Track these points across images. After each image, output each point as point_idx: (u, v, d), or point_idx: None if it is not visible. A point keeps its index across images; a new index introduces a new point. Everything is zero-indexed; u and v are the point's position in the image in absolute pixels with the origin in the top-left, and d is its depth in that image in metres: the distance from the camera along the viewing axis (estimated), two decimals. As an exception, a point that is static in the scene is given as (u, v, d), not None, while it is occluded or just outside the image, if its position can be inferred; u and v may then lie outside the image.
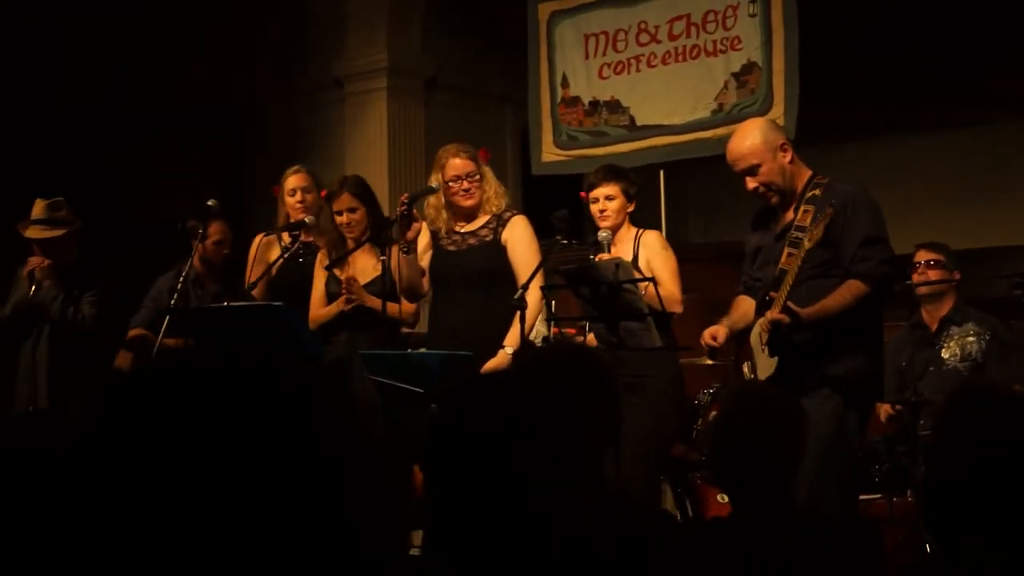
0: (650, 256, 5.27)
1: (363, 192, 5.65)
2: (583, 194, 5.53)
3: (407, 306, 5.53)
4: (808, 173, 4.69)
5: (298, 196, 5.98)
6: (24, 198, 6.28)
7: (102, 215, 8.78)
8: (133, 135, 9.33)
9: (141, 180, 9.25)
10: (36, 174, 7.45)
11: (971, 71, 8.38)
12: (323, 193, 5.80)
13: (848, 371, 4.50)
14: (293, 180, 6.03)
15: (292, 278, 5.87)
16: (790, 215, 4.64)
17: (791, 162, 4.65)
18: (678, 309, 5.12)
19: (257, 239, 6.14)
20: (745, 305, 4.77)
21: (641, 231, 5.43)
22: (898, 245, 6.47)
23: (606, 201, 5.35)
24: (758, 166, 4.62)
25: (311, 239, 5.91)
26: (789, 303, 4.42)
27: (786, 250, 4.55)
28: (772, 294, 4.49)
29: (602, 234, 5.26)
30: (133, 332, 6.12)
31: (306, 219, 5.82)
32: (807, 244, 4.41)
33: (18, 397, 6.08)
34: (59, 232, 6.12)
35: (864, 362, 4.57)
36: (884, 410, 5.70)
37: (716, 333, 4.67)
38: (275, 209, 6.20)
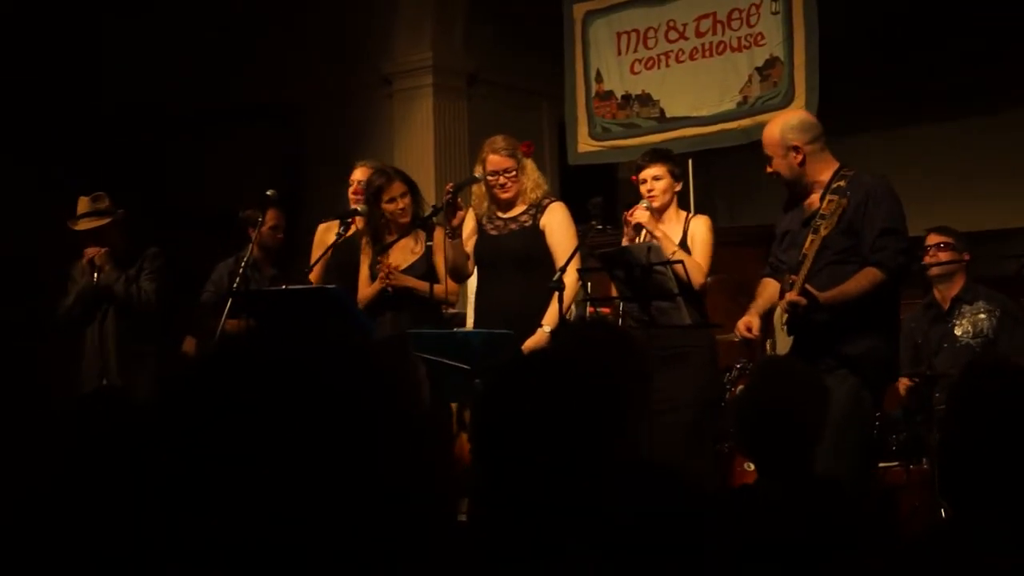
0: (693, 234, 5.24)
1: (409, 181, 5.71)
2: (633, 178, 5.50)
3: (451, 286, 5.57)
4: (834, 166, 4.66)
5: (354, 187, 6.03)
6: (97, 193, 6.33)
7: (169, 207, 8.88)
8: (198, 131, 9.39)
9: (205, 173, 9.31)
10: (108, 171, 7.48)
11: (980, 65, 8.32)
12: (379, 182, 5.83)
13: (864, 353, 4.48)
14: (356, 173, 6.08)
15: (343, 259, 5.90)
16: (816, 203, 4.62)
17: (801, 164, 4.63)
18: (700, 279, 5.04)
19: (320, 227, 6.19)
20: (771, 288, 4.76)
21: (691, 215, 5.40)
22: (911, 229, 6.46)
23: (653, 181, 5.31)
24: (771, 158, 4.69)
25: (361, 226, 5.93)
26: (807, 285, 4.41)
27: (810, 236, 4.54)
28: (792, 277, 4.48)
29: (643, 203, 5.24)
30: (231, 324, 5.97)
31: (359, 208, 5.84)
32: (823, 231, 4.40)
33: (86, 376, 6.11)
34: (104, 221, 6.19)
35: (880, 344, 4.55)
36: (902, 383, 5.67)
37: (751, 324, 4.65)
38: (330, 198, 6.25)
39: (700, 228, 5.27)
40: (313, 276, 5.85)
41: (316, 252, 6.01)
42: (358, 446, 1.16)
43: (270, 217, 6.33)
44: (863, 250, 4.49)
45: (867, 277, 4.45)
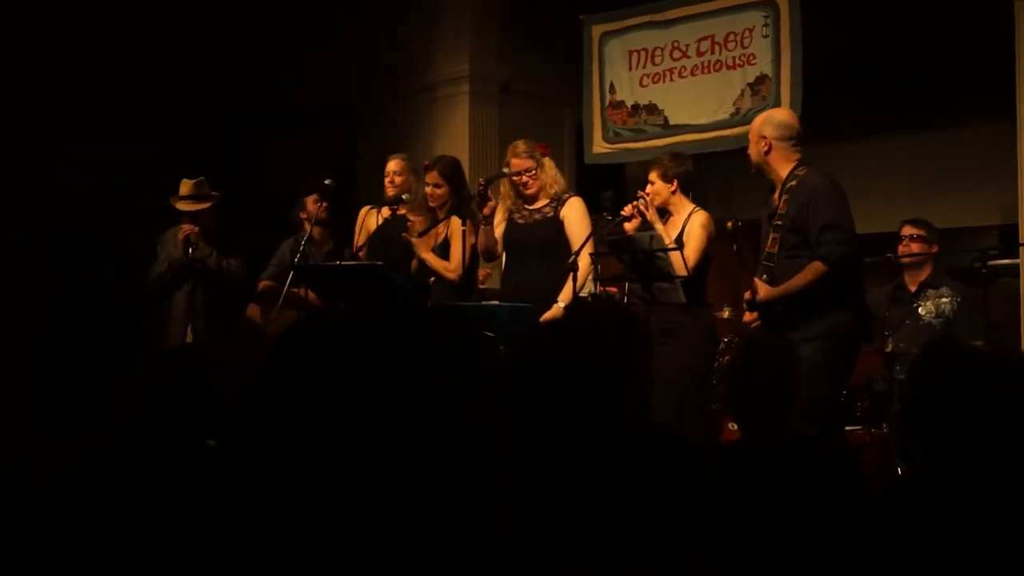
0: (688, 232, 5.19)
1: (451, 173, 5.67)
2: None
3: (454, 267, 5.55)
4: (791, 165, 4.61)
5: (390, 177, 5.99)
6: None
7: (243, 194, 8.91)
8: (267, 131, 9.42)
9: (273, 167, 9.34)
10: (194, 162, 7.52)
11: (945, 84, 8.28)
12: (425, 163, 5.85)
13: (831, 326, 4.43)
14: (390, 165, 6.06)
15: (387, 235, 5.89)
16: (776, 201, 4.60)
17: (767, 153, 4.61)
18: (683, 273, 4.96)
19: (363, 211, 6.20)
20: None
21: (694, 210, 5.31)
22: (886, 223, 6.43)
23: (649, 185, 5.31)
24: (750, 143, 4.70)
25: (404, 211, 5.94)
26: (756, 280, 4.42)
27: (771, 235, 4.53)
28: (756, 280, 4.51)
29: (640, 202, 5.20)
30: (262, 284, 6.19)
31: (404, 196, 5.85)
32: (781, 230, 4.45)
33: (171, 338, 6.11)
34: (205, 205, 6.21)
35: (846, 317, 4.49)
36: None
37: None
38: (376, 188, 6.25)
39: (694, 226, 5.23)
40: (362, 254, 5.87)
41: (362, 233, 6.01)
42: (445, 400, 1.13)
43: (311, 202, 6.36)
44: (811, 245, 4.45)
45: (812, 271, 4.41)
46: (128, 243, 6.55)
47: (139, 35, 8.37)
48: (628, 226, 5.15)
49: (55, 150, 7.83)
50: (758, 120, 4.73)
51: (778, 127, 4.64)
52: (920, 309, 5.88)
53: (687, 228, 5.20)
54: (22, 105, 7.77)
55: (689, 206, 5.33)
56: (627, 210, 5.13)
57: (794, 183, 4.53)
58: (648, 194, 5.23)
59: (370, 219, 6.10)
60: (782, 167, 4.60)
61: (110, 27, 8.06)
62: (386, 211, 6.02)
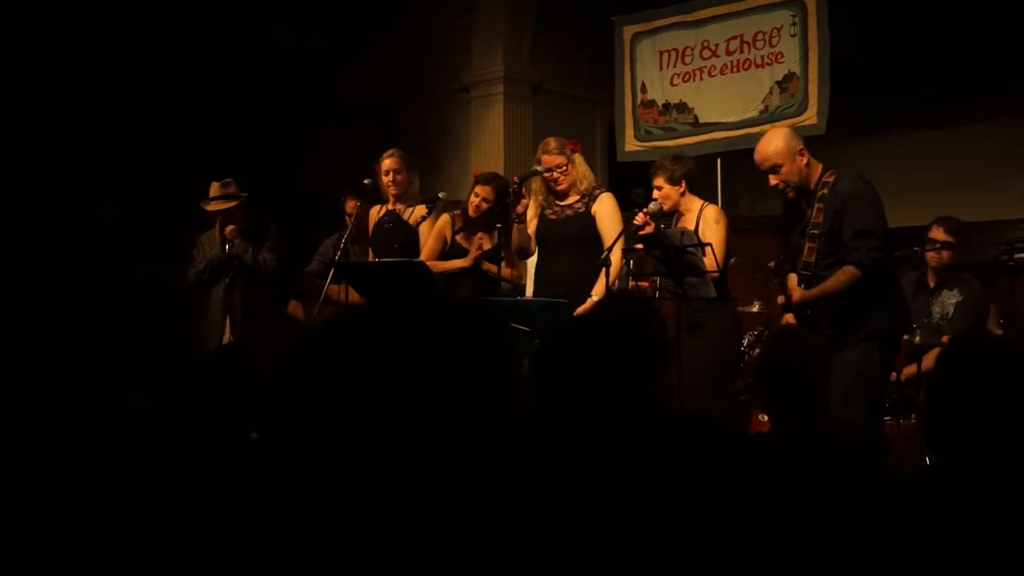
0: (704, 227, 5.14)
1: (501, 194, 5.55)
2: None
3: (514, 270, 5.58)
4: (819, 169, 4.56)
5: (391, 176, 5.94)
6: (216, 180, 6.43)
7: (284, 192, 8.99)
8: (306, 130, 9.48)
9: (312, 165, 9.40)
10: (241, 160, 7.58)
11: (970, 80, 8.21)
12: (476, 173, 5.81)
13: (875, 327, 4.42)
14: (388, 163, 5.98)
15: (386, 232, 5.89)
16: (806, 209, 4.55)
17: (807, 165, 4.54)
18: (714, 269, 4.96)
19: (372, 210, 6.13)
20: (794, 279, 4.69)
21: (705, 205, 5.31)
22: (914, 217, 6.37)
23: (656, 191, 5.28)
24: (780, 166, 4.52)
25: (398, 208, 5.93)
26: (790, 283, 4.42)
27: (806, 244, 4.49)
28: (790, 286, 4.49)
29: (652, 205, 5.16)
30: (332, 289, 6.00)
31: (440, 194, 5.86)
32: (817, 240, 4.41)
33: (209, 332, 6.13)
34: (233, 204, 6.24)
35: (886, 316, 4.49)
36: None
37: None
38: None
39: (709, 221, 5.19)
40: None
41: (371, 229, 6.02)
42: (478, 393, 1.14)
43: (351, 205, 6.37)
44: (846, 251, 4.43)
45: (844, 274, 4.38)
46: (176, 237, 6.59)
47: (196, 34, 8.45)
48: (646, 228, 5.13)
49: (114, 146, 7.94)
50: (779, 143, 4.53)
51: (798, 137, 4.60)
52: (933, 307, 5.81)
53: (701, 224, 5.17)
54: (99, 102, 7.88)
55: (699, 202, 5.30)
56: (639, 219, 5.09)
57: (826, 191, 4.47)
58: (658, 199, 5.21)
59: (373, 218, 6.10)
60: (813, 176, 4.56)
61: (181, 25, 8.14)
62: (383, 209, 6.00)
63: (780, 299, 4.47)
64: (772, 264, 4.50)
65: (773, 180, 4.56)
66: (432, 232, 5.80)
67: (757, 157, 4.59)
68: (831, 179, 4.50)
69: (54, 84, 7.78)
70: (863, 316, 4.40)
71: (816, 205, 4.48)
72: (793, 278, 4.58)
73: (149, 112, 8.21)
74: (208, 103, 8.70)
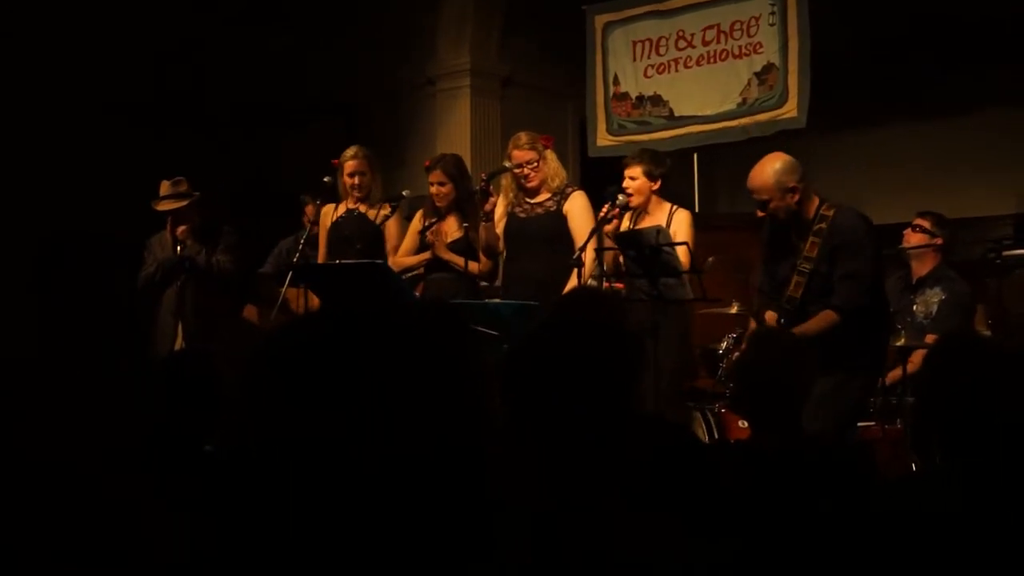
0: (676, 230, 5.10)
1: (454, 171, 5.62)
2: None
3: (484, 264, 5.55)
4: (816, 202, 4.47)
5: (355, 179, 5.87)
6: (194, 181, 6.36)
7: (250, 191, 8.90)
8: (272, 127, 9.41)
9: (278, 163, 9.32)
10: (202, 158, 7.50)
11: (955, 73, 8.26)
12: (427, 163, 5.79)
13: (854, 365, 4.36)
14: (353, 164, 5.89)
15: (343, 233, 5.85)
16: (796, 239, 4.52)
17: (799, 202, 4.44)
18: (688, 268, 4.91)
19: (325, 209, 6.04)
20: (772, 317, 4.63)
21: (675, 208, 5.29)
22: (898, 214, 6.39)
23: (630, 180, 5.28)
24: (768, 201, 4.46)
25: (360, 208, 5.87)
26: (767, 317, 4.43)
27: (794, 279, 4.47)
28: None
29: (620, 198, 5.15)
30: (289, 293, 5.87)
31: (404, 192, 5.81)
32: (807, 275, 4.41)
33: (160, 337, 6.06)
34: (184, 203, 6.18)
35: (868, 360, 4.48)
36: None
37: None
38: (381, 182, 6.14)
39: (683, 224, 5.19)
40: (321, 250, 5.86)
41: (322, 233, 5.95)
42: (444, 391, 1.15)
43: (310, 209, 6.30)
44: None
45: (825, 319, 4.34)
46: (139, 240, 6.52)
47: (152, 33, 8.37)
48: (608, 228, 5.11)
49: (74, 148, 7.84)
50: (768, 176, 4.43)
51: (794, 170, 4.43)
52: (915, 307, 5.81)
53: (674, 225, 5.15)
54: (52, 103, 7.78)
55: (667, 205, 5.30)
56: (604, 209, 5.07)
57: (823, 225, 4.42)
58: (629, 191, 5.21)
59: (325, 218, 6.02)
60: (809, 209, 4.51)
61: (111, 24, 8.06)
62: (342, 208, 5.96)
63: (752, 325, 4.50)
64: (753, 306, 4.52)
65: (760, 212, 4.53)
66: (409, 230, 5.78)
67: (749, 184, 4.53)
68: (829, 213, 4.44)
69: (15, 84, 7.68)
70: (844, 353, 4.35)
71: (811, 239, 4.41)
72: (771, 316, 4.56)
73: (111, 112, 8.11)
74: (172, 102, 8.61)
